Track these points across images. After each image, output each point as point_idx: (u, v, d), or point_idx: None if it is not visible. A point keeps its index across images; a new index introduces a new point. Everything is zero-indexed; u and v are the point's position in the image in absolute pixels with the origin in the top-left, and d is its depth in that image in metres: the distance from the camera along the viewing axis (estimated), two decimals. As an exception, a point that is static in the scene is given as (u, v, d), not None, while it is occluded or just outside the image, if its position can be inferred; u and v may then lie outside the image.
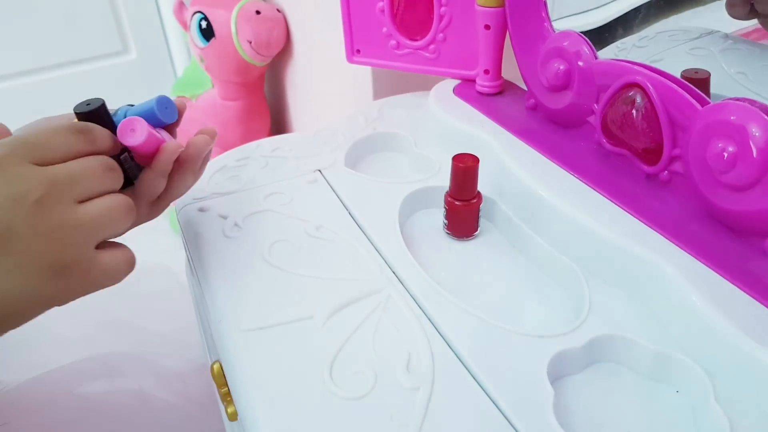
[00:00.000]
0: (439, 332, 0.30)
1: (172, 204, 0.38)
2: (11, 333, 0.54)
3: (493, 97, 0.47)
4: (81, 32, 1.09)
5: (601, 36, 0.63)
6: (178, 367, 0.59)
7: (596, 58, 0.37)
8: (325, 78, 0.79)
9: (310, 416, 0.26)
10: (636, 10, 0.60)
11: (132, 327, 0.60)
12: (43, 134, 0.28)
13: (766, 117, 0.28)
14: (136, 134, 0.32)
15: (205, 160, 0.38)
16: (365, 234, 0.38)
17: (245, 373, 0.28)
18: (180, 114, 0.36)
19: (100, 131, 0.31)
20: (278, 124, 1.05)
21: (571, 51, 0.38)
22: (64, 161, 0.28)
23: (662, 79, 0.33)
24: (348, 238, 0.37)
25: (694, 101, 0.31)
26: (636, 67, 0.35)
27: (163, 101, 0.34)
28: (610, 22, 0.65)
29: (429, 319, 0.31)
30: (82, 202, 0.28)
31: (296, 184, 0.43)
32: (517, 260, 0.37)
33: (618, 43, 0.62)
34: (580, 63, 0.38)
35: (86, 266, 0.28)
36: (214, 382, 0.35)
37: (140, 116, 0.33)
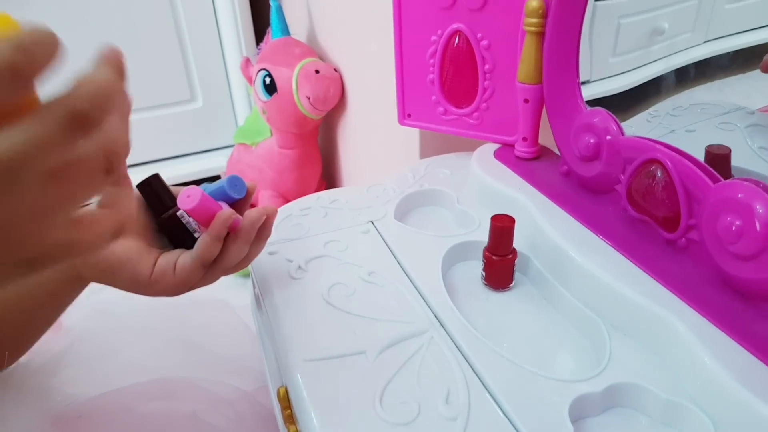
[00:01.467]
0: (474, 372, 0.35)
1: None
2: (83, 352, 0.61)
3: (530, 162, 0.52)
4: (154, 81, 1.20)
5: (633, 98, 0.68)
6: (229, 393, 0.65)
7: (623, 134, 0.42)
8: (375, 132, 0.86)
9: (362, 437, 0.31)
10: (656, 81, 0.65)
11: (189, 354, 0.66)
12: None
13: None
14: (190, 199, 0.38)
15: (264, 234, 0.41)
16: (412, 281, 0.43)
17: (308, 397, 0.33)
18: (249, 192, 0.41)
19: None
20: (329, 171, 1.13)
21: (601, 127, 0.43)
22: None
23: (679, 156, 0.38)
24: (396, 284, 0.43)
25: (706, 178, 0.36)
26: (657, 145, 0.39)
27: (233, 180, 0.41)
28: (641, 85, 0.69)
29: (466, 360, 0.36)
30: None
31: (352, 233, 0.49)
32: (548, 311, 0.41)
33: (651, 110, 0.67)
34: (609, 137, 0.43)
35: None
36: (278, 404, 0.40)
37: (212, 192, 0.40)
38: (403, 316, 0.39)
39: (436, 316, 0.39)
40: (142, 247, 0.39)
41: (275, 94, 0.96)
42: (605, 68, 0.73)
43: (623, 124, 0.65)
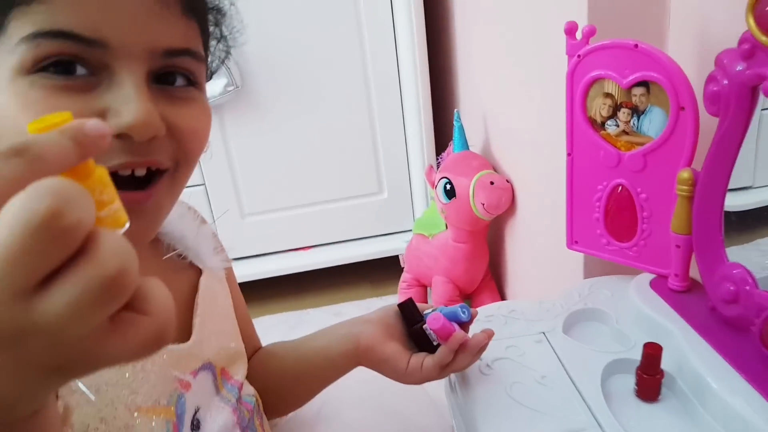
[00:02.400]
0: (625, 466, 0.47)
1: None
2: (322, 414, 0.79)
3: (681, 294, 0.63)
4: (353, 178, 1.46)
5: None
6: None
7: (758, 287, 0.52)
8: (540, 239, 1.00)
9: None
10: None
11: (390, 419, 0.81)
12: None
13: None
14: (436, 321, 0.55)
15: (482, 349, 0.58)
16: (576, 387, 0.56)
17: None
18: (473, 317, 0.58)
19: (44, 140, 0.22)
20: (495, 262, 1.28)
21: (739, 278, 0.54)
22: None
23: (805, 315, 0.47)
24: (564, 388, 0.56)
25: (827, 337, 0.45)
26: (787, 302, 0.49)
27: (464, 307, 0.58)
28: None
29: (619, 456, 0.48)
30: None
31: (527, 341, 0.63)
32: (689, 426, 0.52)
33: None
34: (747, 288, 0.53)
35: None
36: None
37: (447, 314, 0.57)
38: (569, 414, 0.53)
39: (594, 418, 0.52)
40: (401, 349, 0.58)
41: (454, 198, 1.15)
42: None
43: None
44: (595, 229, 0.71)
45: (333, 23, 1.32)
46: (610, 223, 0.69)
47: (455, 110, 1.20)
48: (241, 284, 0.67)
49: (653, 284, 0.65)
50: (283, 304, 1.53)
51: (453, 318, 0.57)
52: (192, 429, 0.47)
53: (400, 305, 0.60)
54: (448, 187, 1.16)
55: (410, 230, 1.44)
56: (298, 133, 1.39)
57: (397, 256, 1.51)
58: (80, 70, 0.37)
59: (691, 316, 0.59)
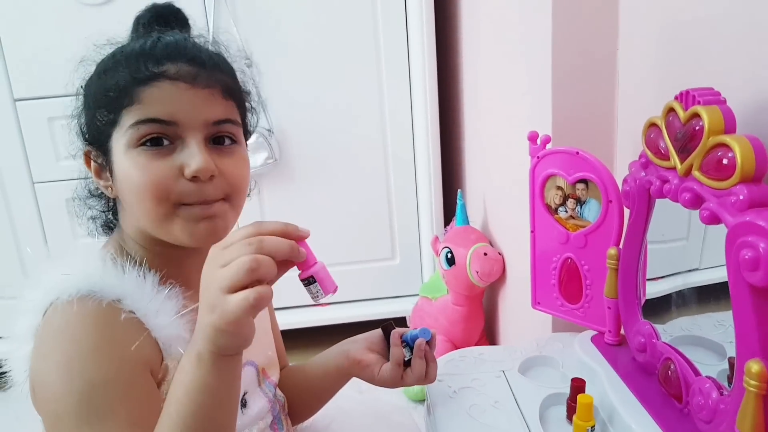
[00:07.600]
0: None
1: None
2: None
3: (613, 347, 0.79)
4: (366, 241, 1.66)
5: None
6: None
7: (659, 339, 0.69)
8: (521, 301, 1.16)
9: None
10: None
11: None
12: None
13: (716, 388, 0.57)
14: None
15: (431, 357, 0.74)
16: (520, 410, 0.72)
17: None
18: (434, 337, 0.76)
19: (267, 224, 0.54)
20: (490, 326, 1.43)
21: (647, 332, 0.70)
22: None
23: (682, 359, 0.64)
24: (510, 411, 0.72)
25: (692, 373, 0.61)
26: (673, 350, 0.65)
27: (425, 329, 0.75)
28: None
29: (542, 458, 0.63)
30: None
31: (488, 376, 0.80)
32: (603, 443, 0.67)
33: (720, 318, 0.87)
34: (653, 340, 0.70)
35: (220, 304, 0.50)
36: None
37: (414, 333, 0.74)
38: (511, 429, 0.68)
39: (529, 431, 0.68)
40: (379, 359, 0.74)
41: (453, 266, 1.33)
42: (716, 257, 0.93)
43: (706, 316, 0.84)
44: (552, 293, 0.88)
45: (358, 112, 1.56)
46: (563, 288, 0.87)
47: (458, 190, 1.40)
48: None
49: (594, 339, 0.82)
50: (300, 356, 1.69)
51: (418, 336, 0.74)
52: (241, 406, 0.64)
53: (383, 327, 0.77)
54: (449, 255, 1.34)
55: (418, 294, 1.61)
56: (324, 202, 1.61)
57: (405, 317, 1.68)
58: (165, 142, 0.58)
59: (617, 363, 0.75)
